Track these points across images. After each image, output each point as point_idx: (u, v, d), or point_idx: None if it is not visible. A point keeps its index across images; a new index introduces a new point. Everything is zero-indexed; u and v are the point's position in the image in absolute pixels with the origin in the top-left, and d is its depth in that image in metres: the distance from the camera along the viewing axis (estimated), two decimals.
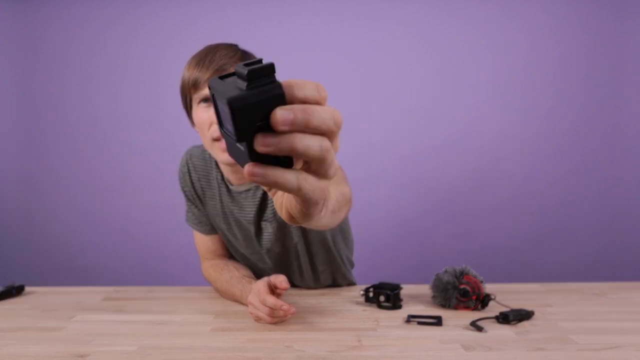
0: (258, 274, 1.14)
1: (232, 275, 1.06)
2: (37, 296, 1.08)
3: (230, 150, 0.39)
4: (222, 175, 1.06)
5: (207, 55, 0.92)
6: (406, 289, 1.06)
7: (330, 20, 2.11)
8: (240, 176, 1.02)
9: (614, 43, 2.10)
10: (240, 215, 1.05)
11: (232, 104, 0.33)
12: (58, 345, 0.76)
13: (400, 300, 0.96)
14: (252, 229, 1.05)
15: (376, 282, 1.02)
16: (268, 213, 1.03)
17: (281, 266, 1.10)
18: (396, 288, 0.96)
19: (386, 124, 2.12)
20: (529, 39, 2.11)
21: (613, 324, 0.85)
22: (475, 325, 0.81)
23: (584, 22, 2.10)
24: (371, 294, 0.97)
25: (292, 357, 0.71)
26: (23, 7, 2.17)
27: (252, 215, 1.03)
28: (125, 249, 2.19)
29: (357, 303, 0.99)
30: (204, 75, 0.89)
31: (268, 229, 1.03)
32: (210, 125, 0.91)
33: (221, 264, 1.13)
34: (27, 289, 1.13)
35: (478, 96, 2.13)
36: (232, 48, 0.95)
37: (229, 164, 0.95)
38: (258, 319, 0.86)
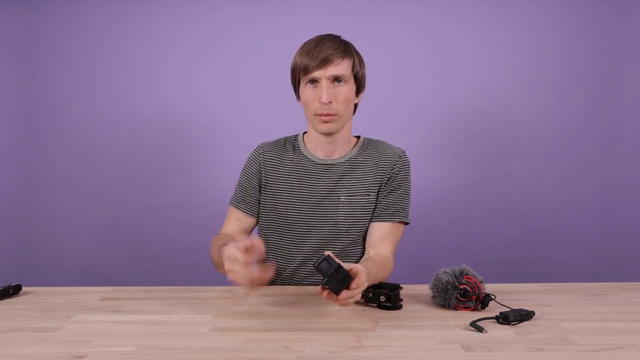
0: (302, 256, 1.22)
1: (226, 238, 1.13)
2: (34, 296, 1.08)
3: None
4: (301, 155, 1.24)
5: (317, 46, 1.11)
6: (406, 289, 1.06)
7: (330, 20, 2.10)
8: (327, 153, 1.22)
9: (614, 43, 2.10)
10: (317, 184, 1.20)
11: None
12: (56, 346, 0.76)
13: (400, 300, 0.96)
14: (320, 199, 1.19)
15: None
16: (343, 190, 1.19)
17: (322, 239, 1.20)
18: (396, 288, 0.96)
19: (385, 124, 2.11)
20: (529, 38, 2.11)
21: (614, 325, 0.84)
22: (476, 326, 0.81)
23: (584, 22, 2.10)
24: (371, 294, 0.97)
25: (291, 357, 0.70)
26: (21, 6, 2.16)
27: (328, 188, 1.19)
28: (123, 248, 2.18)
29: (357, 303, 0.99)
30: (313, 63, 1.09)
31: (342, 203, 1.18)
32: (314, 102, 1.12)
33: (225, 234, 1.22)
34: (24, 288, 1.13)
35: (477, 96, 2.12)
36: (337, 40, 1.14)
37: (327, 134, 1.16)
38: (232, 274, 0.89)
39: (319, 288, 0.83)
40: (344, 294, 0.82)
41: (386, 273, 1.12)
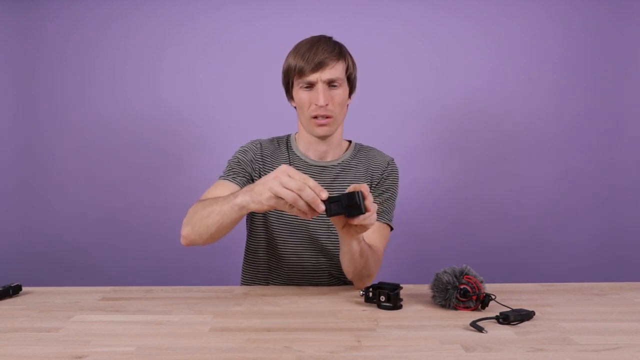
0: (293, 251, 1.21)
1: (218, 197, 1.00)
2: (34, 296, 1.07)
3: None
4: (294, 155, 1.23)
5: (311, 49, 1.10)
6: (406, 289, 1.06)
7: (330, 20, 2.10)
8: (320, 155, 1.22)
9: (614, 43, 2.10)
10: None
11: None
12: (55, 346, 0.76)
13: (400, 300, 0.95)
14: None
15: (376, 281, 1.02)
16: (335, 192, 1.16)
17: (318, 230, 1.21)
18: (396, 288, 0.96)
19: (385, 124, 2.11)
20: (529, 38, 2.11)
21: (614, 325, 0.84)
22: (476, 326, 0.80)
23: (584, 22, 2.10)
24: (371, 294, 0.97)
25: (291, 357, 0.70)
26: (21, 6, 2.16)
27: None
28: (123, 248, 2.18)
29: (357, 303, 0.99)
30: (308, 66, 1.09)
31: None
32: (310, 105, 1.13)
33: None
34: (24, 289, 1.12)
35: (477, 96, 2.12)
36: (330, 43, 1.14)
37: (322, 137, 1.17)
38: (275, 194, 0.82)
39: (350, 221, 0.89)
40: (368, 204, 0.87)
41: (374, 258, 1.09)
